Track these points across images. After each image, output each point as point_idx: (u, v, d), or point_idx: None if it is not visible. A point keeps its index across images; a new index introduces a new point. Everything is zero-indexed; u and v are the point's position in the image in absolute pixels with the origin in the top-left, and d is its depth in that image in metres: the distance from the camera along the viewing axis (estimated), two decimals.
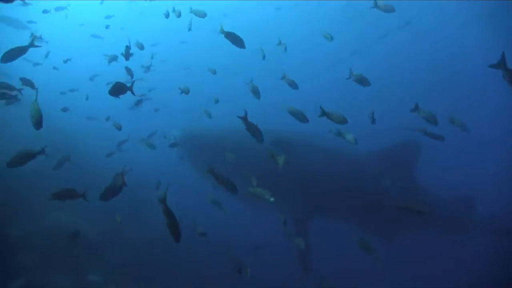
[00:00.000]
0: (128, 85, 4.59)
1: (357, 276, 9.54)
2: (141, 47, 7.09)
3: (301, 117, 5.25)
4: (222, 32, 5.27)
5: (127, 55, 6.08)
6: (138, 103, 8.14)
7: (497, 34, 17.83)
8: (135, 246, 7.93)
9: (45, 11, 9.74)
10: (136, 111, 9.42)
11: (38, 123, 3.67)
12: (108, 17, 11.96)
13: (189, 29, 7.80)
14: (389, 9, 5.92)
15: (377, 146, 9.23)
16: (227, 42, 5.42)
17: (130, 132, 8.18)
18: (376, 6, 5.81)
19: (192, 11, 6.62)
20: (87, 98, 9.16)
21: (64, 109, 7.90)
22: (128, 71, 6.83)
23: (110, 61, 7.24)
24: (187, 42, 19.09)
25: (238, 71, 24.63)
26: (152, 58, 8.18)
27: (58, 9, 10.82)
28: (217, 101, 7.56)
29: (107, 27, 10.87)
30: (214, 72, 7.81)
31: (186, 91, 6.67)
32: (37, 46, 4.54)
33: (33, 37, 4.31)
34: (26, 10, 9.59)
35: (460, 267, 10.07)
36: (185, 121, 11.65)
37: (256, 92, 5.82)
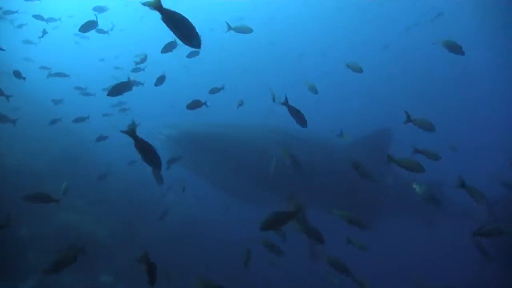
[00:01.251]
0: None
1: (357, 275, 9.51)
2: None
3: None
4: (285, 104, 4.59)
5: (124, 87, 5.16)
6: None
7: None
8: (146, 246, 7.91)
9: (37, 17, 9.69)
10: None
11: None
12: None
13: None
14: (454, 49, 5.31)
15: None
16: (228, 42, 5.14)
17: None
18: (442, 43, 5.37)
19: (232, 29, 5.84)
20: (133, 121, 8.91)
21: (53, 121, 7.56)
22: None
23: (141, 62, 7.20)
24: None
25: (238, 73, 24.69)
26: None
27: (50, 20, 10.67)
28: (241, 104, 6.36)
29: (110, 29, 10.70)
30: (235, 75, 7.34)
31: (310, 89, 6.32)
32: None
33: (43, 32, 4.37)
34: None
35: (459, 267, 10.13)
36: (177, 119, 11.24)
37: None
